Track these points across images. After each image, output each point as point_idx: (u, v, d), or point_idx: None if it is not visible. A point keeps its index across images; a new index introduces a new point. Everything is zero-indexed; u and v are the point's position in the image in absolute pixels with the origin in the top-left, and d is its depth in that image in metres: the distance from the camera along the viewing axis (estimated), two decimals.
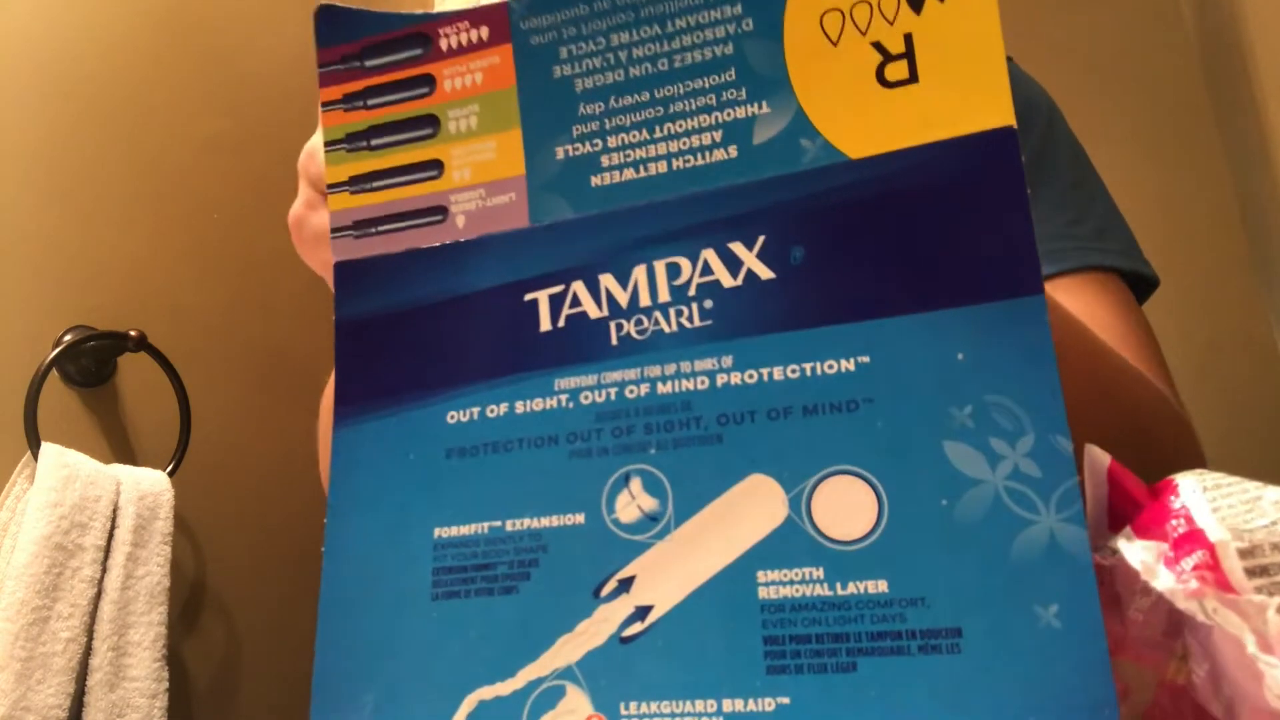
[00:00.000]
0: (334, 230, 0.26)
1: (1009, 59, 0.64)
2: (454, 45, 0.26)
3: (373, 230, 0.26)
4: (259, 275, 1.18)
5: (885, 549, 0.21)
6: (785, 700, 0.20)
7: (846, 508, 0.21)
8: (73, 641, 0.84)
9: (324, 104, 0.28)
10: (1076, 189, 0.59)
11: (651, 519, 0.22)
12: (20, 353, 0.92)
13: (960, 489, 0.21)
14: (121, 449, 1.01)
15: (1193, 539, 0.21)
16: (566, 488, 0.23)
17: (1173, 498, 0.23)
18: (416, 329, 0.25)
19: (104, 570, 0.89)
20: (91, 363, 0.99)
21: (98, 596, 0.88)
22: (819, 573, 0.21)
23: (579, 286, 0.24)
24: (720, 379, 0.22)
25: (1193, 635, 0.21)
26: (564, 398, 0.24)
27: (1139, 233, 1.78)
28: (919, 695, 0.20)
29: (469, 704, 0.22)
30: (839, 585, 0.21)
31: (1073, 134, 0.60)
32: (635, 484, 0.23)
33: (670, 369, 0.23)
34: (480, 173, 0.26)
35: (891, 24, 0.23)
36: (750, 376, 0.22)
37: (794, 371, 0.22)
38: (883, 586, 0.20)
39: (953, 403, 0.21)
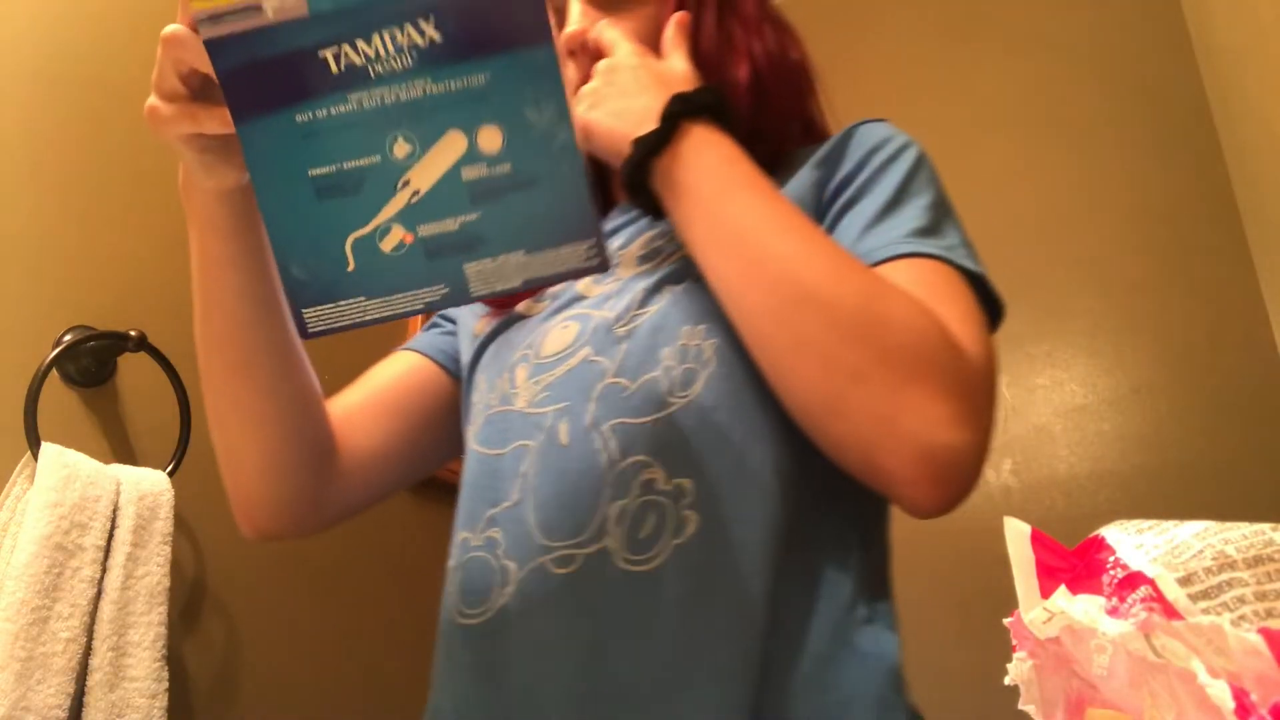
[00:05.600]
0: (197, 20, 0.43)
1: (883, 121, 0.66)
2: None
3: (221, 19, 0.43)
4: None
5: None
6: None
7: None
8: (73, 641, 0.84)
9: None
10: (946, 214, 0.58)
11: (411, 155, 0.44)
12: (20, 353, 0.93)
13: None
14: (121, 449, 1.01)
15: (1133, 580, 0.23)
16: (368, 141, 0.43)
17: (1103, 552, 0.25)
18: (267, 72, 0.42)
19: (104, 570, 0.90)
20: (91, 363, 0.99)
21: (98, 597, 0.88)
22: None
23: (347, 46, 0.42)
24: (419, 88, 0.42)
25: (1155, 681, 0.21)
26: (356, 100, 0.43)
27: (1139, 233, 1.78)
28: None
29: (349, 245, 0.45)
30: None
31: (943, 189, 0.60)
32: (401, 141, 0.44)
33: (401, 86, 0.43)
34: None
35: None
36: (429, 86, 0.42)
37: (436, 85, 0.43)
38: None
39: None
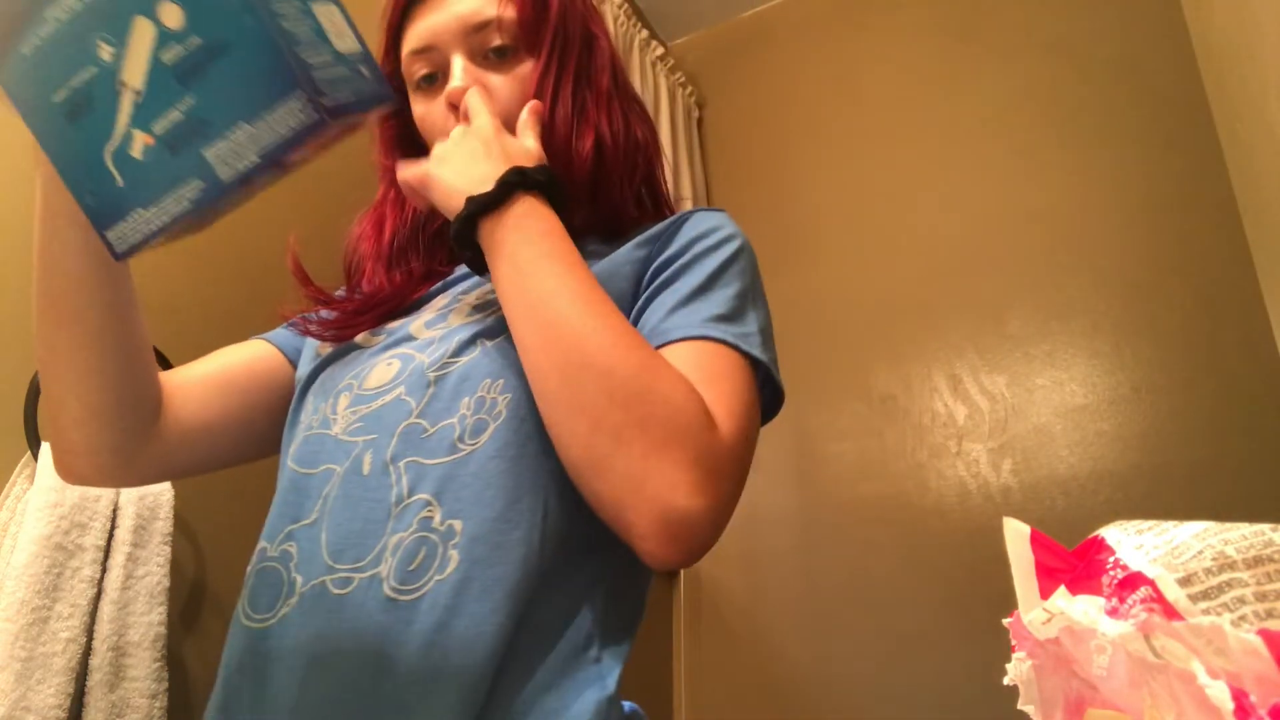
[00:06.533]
0: None
1: (718, 211, 0.69)
2: None
3: None
4: (259, 275, 1.18)
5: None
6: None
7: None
8: (73, 641, 0.84)
9: None
10: (751, 304, 0.64)
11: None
12: (20, 353, 0.93)
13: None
14: None
15: (1133, 580, 0.24)
16: (79, 54, 0.44)
17: (1103, 552, 0.25)
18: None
19: (104, 570, 0.90)
20: None
21: (97, 596, 0.88)
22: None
23: None
24: None
25: (1155, 681, 0.21)
26: (53, 17, 0.44)
27: (1139, 233, 1.78)
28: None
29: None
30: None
31: (760, 287, 0.67)
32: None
33: None
34: None
35: None
36: None
37: None
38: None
39: None
